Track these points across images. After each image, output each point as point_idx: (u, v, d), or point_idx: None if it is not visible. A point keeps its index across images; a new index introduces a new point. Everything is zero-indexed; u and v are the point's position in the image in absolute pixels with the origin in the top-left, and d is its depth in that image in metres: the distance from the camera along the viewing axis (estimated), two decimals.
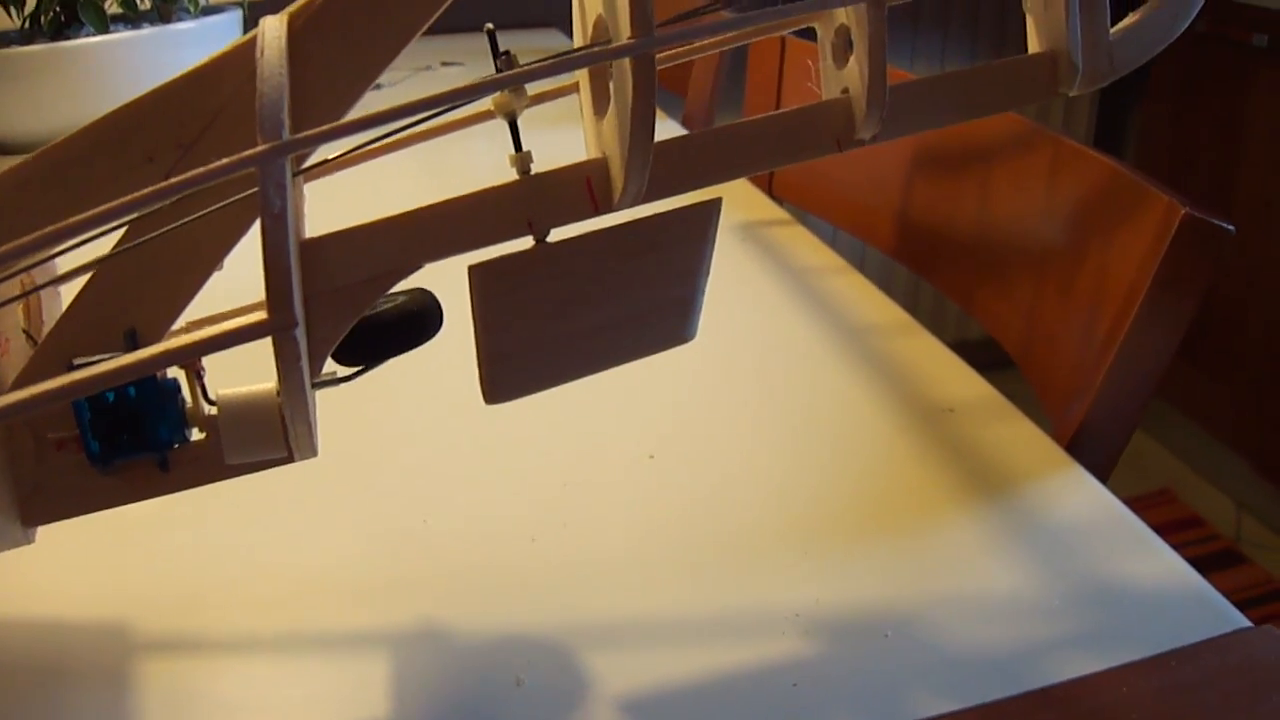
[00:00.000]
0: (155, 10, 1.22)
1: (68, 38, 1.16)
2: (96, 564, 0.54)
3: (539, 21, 2.08)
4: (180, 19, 1.22)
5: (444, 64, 1.72)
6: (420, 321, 0.41)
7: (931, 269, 0.92)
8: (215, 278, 0.41)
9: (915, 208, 0.93)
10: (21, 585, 0.52)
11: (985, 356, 0.70)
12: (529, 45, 1.85)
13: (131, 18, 1.19)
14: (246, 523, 0.57)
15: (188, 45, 1.20)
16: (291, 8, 0.39)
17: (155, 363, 0.34)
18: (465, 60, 1.74)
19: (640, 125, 0.35)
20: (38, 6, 1.18)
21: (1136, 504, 0.56)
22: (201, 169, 0.32)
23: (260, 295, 0.47)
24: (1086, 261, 0.70)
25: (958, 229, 0.87)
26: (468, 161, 1.12)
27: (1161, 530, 0.53)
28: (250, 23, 1.31)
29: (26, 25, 1.20)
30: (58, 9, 1.18)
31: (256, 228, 0.40)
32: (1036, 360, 0.75)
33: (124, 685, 0.46)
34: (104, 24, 1.15)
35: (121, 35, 1.15)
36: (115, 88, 1.15)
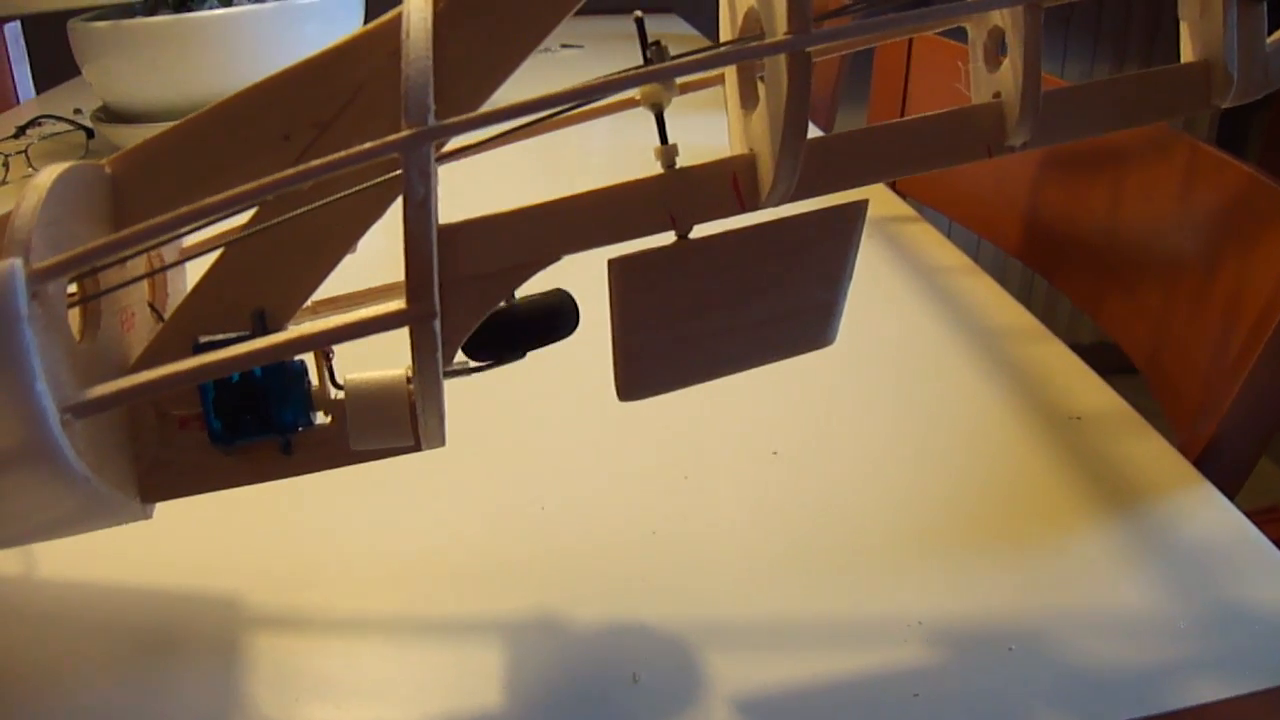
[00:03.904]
0: None
1: (191, 9, 1.17)
2: (211, 535, 0.54)
3: (657, 6, 2.07)
4: None
5: (563, 46, 1.71)
6: (554, 320, 0.40)
7: (1055, 270, 0.89)
8: None
9: (1042, 207, 0.91)
10: (137, 553, 0.52)
11: (1095, 361, 0.69)
12: (649, 29, 1.84)
13: None
14: (362, 500, 0.57)
15: (310, 20, 1.20)
16: None
17: (289, 348, 0.34)
18: (585, 43, 1.73)
19: (793, 124, 0.34)
20: None
21: None
22: (343, 153, 0.32)
23: (386, 275, 0.48)
24: (1222, 272, 0.68)
25: (1086, 231, 0.84)
26: (579, 143, 1.11)
27: None
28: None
29: None
30: None
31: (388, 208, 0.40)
32: (1164, 371, 0.73)
33: (233, 658, 0.46)
34: None
35: (244, 8, 1.16)
36: (237, 60, 1.16)
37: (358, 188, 0.36)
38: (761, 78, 0.38)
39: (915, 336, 0.74)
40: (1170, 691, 0.43)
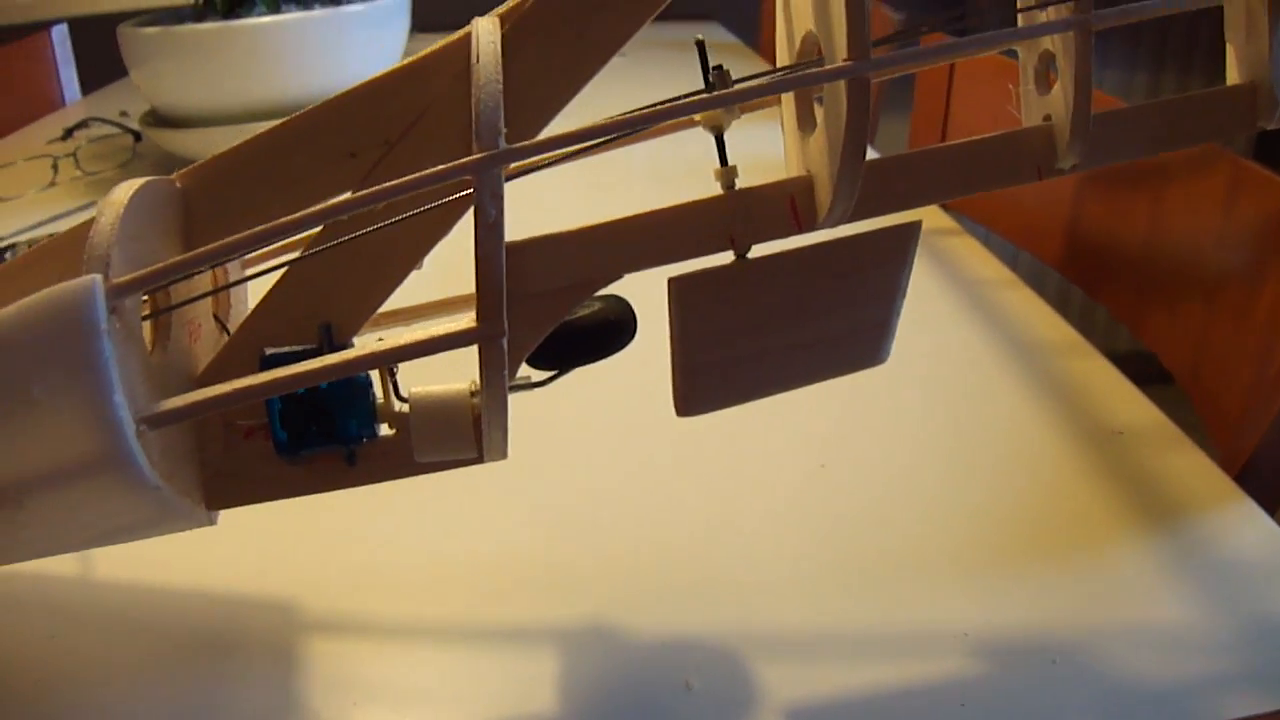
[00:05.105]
0: None
1: (239, 17, 1.18)
2: (270, 541, 0.55)
3: (698, 14, 2.07)
4: (350, 1, 1.23)
5: None
6: (616, 331, 0.41)
7: (1096, 284, 0.89)
8: None
9: (1084, 221, 0.91)
10: (193, 557, 0.53)
11: (1132, 370, 0.69)
12: (691, 38, 1.84)
13: None
14: (418, 508, 0.57)
15: (357, 28, 1.21)
16: (501, 9, 0.39)
17: (358, 365, 0.34)
18: (628, 51, 1.73)
19: (852, 149, 0.35)
20: None
21: None
22: (416, 175, 0.33)
23: (444, 285, 0.48)
24: (1264, 287, 0.68)
25: (1127, 245, 0.84)
26: (623, 155, 1.11)
27: None
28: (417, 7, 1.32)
29: (201, 3, 1.21)
30: None
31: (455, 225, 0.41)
32: (1204, 384, 0.73)
33: (289, 662, 0.47)
34: (275, 4, 1.17)
35: (292, 16, 1.16)
36: (284, 68, 1.17)
37: (427, 206, 0.37)
38: (819, 100, 0.38)
39: (960, 351, 0.75)
40: (1212, 706, 0.43)
